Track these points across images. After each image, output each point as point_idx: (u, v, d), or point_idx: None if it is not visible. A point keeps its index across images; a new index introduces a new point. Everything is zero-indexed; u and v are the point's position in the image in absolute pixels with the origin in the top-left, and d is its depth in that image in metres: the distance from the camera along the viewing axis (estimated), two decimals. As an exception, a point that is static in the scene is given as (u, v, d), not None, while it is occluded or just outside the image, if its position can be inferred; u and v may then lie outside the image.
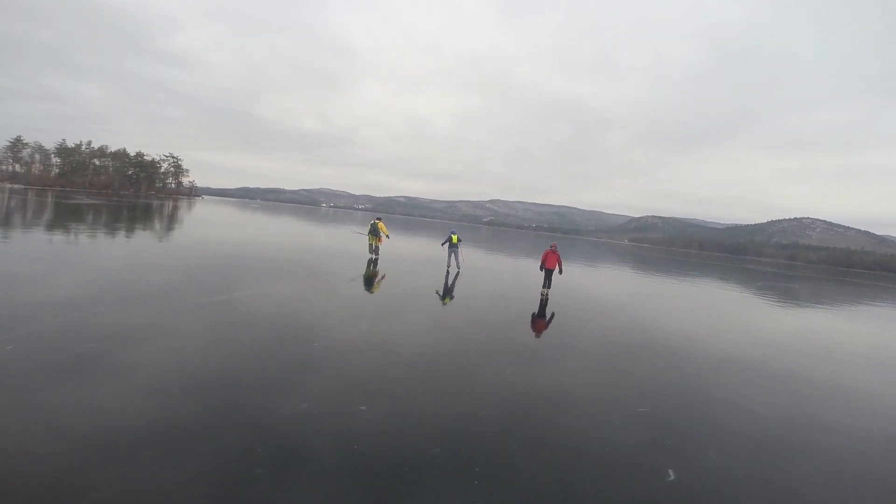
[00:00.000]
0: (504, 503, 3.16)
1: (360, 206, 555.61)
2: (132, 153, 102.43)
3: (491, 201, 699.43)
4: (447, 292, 11.70)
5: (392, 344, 6.47)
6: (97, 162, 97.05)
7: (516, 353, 6.86)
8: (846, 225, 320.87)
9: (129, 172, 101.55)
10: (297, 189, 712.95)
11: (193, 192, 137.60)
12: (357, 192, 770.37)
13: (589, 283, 18.50)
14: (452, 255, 15.89)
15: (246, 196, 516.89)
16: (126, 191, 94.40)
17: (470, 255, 22.37)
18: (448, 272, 15.25)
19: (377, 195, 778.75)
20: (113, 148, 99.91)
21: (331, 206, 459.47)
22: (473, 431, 4.11)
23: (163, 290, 8.08)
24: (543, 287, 12.87)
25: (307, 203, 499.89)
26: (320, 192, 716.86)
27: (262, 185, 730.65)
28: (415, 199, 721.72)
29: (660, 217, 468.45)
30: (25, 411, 3.60)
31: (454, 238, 15.93)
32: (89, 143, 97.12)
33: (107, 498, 2.76)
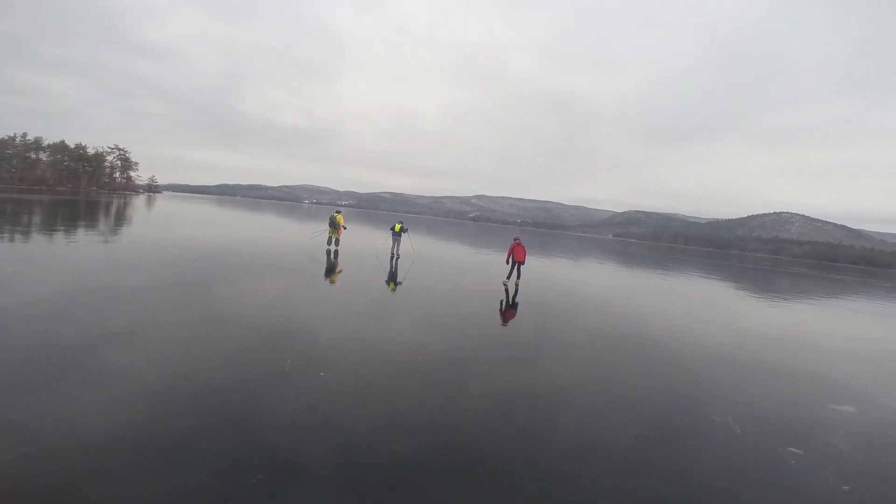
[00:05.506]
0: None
1: (344, 203, 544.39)
2: (72, 145, 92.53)
3: (476, 196, 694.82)
4: (391, 277, 12.24)
5: (383, 342, 6.28)
6: (32, 155, 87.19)
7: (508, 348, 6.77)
8: (823, 219, 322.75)
9: (71, 166, 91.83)
10: (279, 185, 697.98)
11: (152, 188, 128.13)
12: (341, 189, 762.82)
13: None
14: (396, 242, 16.94)
15: (226, 193, 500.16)
16: (63, 186, 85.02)
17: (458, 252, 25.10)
18: (392, 258, 16.31)
19: (361, 191, 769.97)
20: (92, 145, 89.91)
21: (314, 203, 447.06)
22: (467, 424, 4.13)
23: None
24: (507, 278, 13.34)
25: (289, 199, 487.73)
26: (303, 188, 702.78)
27: (243, 182, 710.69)
28: (400, 194, 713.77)
29: (643, 212, 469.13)
30: (1, 424, 3.33)
31: (397, 227, 16.90)
32: (24, 134, 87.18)
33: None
